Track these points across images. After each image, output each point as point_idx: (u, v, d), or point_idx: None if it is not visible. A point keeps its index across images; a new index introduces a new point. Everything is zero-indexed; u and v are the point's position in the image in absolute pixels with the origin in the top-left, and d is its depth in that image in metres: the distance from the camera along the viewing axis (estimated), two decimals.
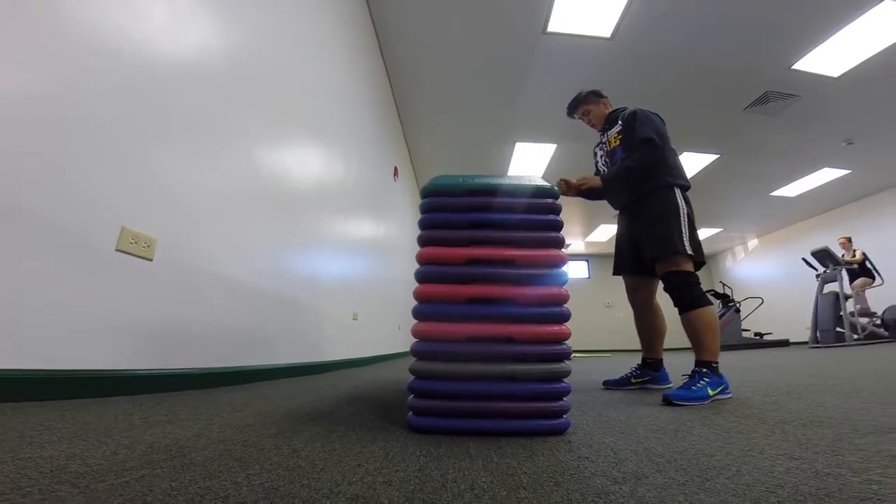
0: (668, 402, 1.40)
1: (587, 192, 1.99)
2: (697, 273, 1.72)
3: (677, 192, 1.77)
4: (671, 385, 1.93)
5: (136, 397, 1.28)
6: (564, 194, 1.89)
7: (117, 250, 1.32)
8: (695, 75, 4.81)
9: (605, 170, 2.04)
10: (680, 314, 1.68)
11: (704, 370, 1.54)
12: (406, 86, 5.10)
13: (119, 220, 1.33)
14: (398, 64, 4.72)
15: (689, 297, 1.66)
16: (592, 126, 2.18)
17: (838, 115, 5.55)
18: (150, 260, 1.45)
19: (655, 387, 1.96)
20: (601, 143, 2.09)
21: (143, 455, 0.69)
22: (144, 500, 0.51)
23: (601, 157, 2.09)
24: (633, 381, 1.99)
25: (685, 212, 1.74)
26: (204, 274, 1.73)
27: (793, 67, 4.59)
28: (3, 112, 1.03)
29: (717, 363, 1.57)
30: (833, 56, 4.42)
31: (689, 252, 1.68)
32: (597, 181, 1.92)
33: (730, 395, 1.53)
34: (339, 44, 3.27)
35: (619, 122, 1.96)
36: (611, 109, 2.14)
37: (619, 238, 2.08)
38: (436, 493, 0.57)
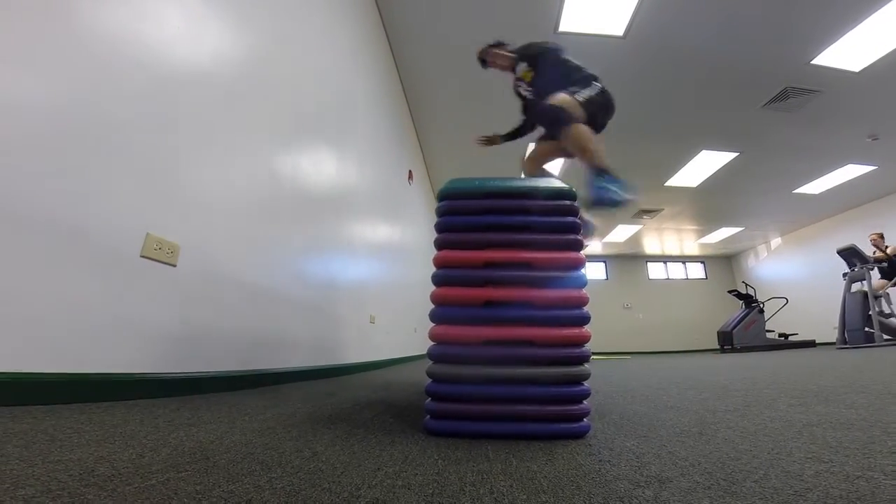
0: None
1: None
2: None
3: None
4: None
5: (160, 400, 1.31)
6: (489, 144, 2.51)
7: (142, 256, 1.35)
8: (711, 72, 4.74)
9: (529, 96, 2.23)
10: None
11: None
12: (419, 89, 5.12)
13: (143, 226, 1.37)
14: (410, 67, 4.75)
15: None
16: (503, 69, 2.36)
17: (861, 111, 5.40)
18: (174, 266, 1.48)
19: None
20: (517, 79, 2.27)
21: (168, 458, 0.70)
22: None
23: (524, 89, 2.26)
24: None
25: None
26: (225, 279, 1.76)
27: (812, 62, 4.49)
28: (28, 119, 1.07)
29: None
30: (853, 51, 4.32)
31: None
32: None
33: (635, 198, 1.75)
34: (351, 47, 3.30)
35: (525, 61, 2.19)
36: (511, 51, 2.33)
37: None
38: (455, 497, 0.57)
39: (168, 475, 0.62)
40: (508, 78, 2.37)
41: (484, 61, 2.43)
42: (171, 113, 1.50)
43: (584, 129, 1.79)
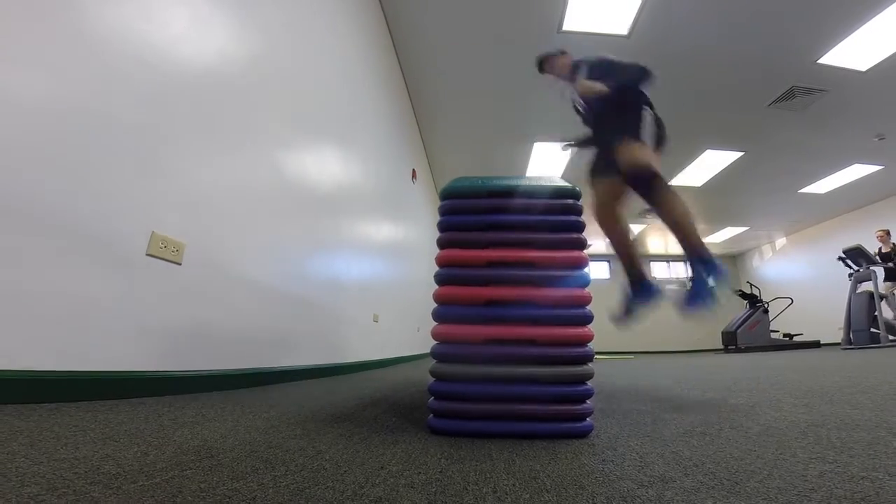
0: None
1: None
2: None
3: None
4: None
5: (165, 398, 1.31)
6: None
7: (147, 255, 1.36)
8: (716, 71, 4.70)
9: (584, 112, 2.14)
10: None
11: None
12: (422, 88, 5.12)
13: (148, 225, 1.37)
14: (414, 67, 4.74)
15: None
16: (559, 76, 2.25)
17: (868, 110, 5.36)
18: (179, 264, 1.48)
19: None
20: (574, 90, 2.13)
21: (173, 456, 0.71)
22: (174, 502, 0.52)
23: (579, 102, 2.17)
24: None
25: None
26: (230, 277, 1.77)
27: (819, 61, 4.45)
28: (34, 119, 1.07)
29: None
30: (860, 50, 4.28)
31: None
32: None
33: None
34: (355, 47, 3.31)
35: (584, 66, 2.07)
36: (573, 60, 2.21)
37: None
38: (458, 496, 0.57)
39: (173, 473, 0.62)
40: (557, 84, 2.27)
41: (542, 66, 2.31)
42: (176, 111, 1.50)
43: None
